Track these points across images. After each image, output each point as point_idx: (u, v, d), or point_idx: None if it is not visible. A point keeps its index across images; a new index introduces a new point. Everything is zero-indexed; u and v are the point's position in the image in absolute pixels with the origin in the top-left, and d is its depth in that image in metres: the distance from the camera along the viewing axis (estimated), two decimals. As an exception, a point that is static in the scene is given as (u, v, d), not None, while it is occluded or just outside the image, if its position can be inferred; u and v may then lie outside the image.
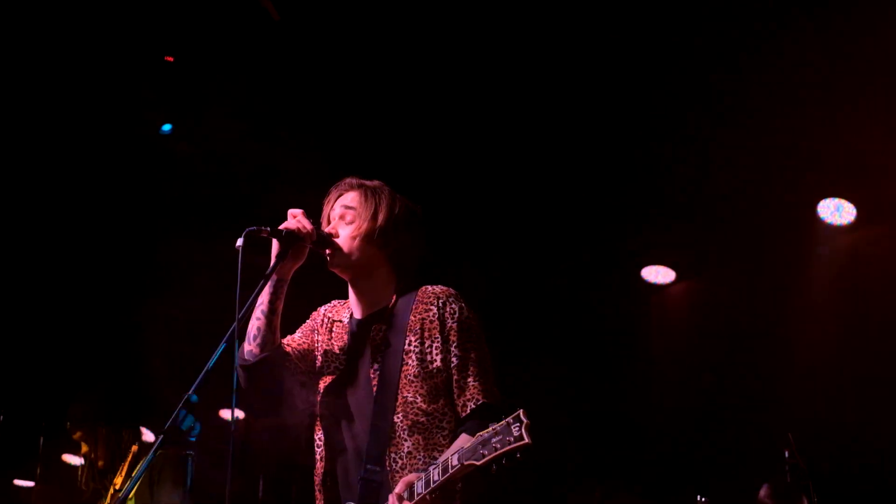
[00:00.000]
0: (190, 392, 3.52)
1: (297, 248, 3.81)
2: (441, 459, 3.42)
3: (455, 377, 3.75)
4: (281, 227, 3.79)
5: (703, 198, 7.31)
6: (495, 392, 3.76)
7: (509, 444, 3.19)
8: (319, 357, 3.96)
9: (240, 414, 8.26)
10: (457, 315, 3.81)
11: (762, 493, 6.00)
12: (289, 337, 4.00)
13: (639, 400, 7.92)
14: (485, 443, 3.25)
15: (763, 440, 5.86)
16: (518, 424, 3.19)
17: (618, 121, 7.03)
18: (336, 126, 7.12)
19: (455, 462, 3.31)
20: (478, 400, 3.71)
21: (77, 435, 5.78)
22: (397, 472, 3.64)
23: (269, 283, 3.81)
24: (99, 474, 5.65)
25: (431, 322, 3.80)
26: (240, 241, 3.63)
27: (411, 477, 3.49)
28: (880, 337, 6.12)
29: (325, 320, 4.05)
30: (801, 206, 7.20)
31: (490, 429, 3.26)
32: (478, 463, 3.24)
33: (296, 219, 3.81)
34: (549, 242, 7.89)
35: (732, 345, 7.54)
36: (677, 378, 7.82)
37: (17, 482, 9.11)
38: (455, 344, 3.77)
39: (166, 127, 7.23)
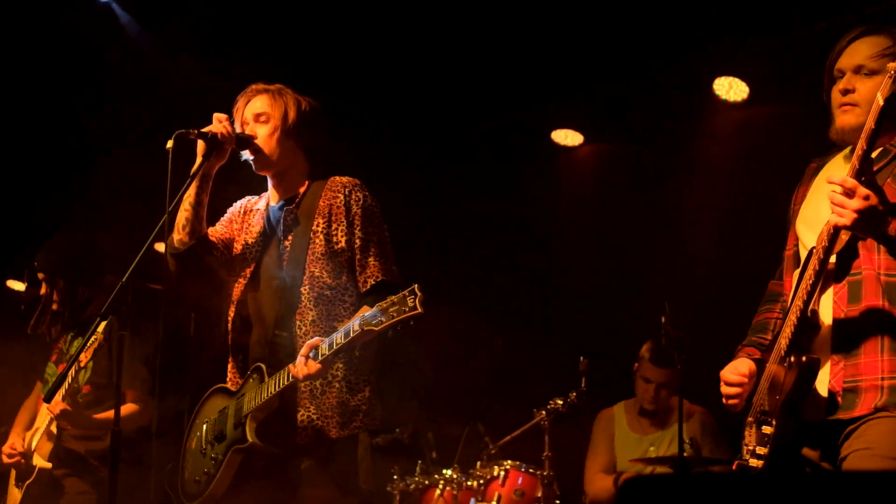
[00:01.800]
0: (124, 278, 4.02)
1: (221, 150, 4.28)
2: (345, 325, 3.92)
3: (357, 257, 4.27)
4: (206, 129, 4.24)
5: (611, 67, 7.71)
6: (394, 271, 4.29)
7: (404, 313, 3.71)
8: (238, 243, 4.46)
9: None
10: (361, 202, 4.31)
11: (643, 349, 6.61)
12: (211, 228, 4.48)
13: (543, 257, 8.42)
14: (383, 311, 3.75)
15: (650, 304, 6.34)
16: (413, 297, 3.70)
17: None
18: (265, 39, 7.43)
19: (357, 328, 3.81)
20: (377, 277, 4.23)
21: (41, 276, 5.69)
22: (301, 337, 4.16)
23: (195, 179, 4.28)
24: (51, 319, 5.67)
25: (338, 208, 4.29)
26: (170, 143, 4.09)
27: (316, 340, 3.98)
28: (759, 215, 6.59)
29: (243, 210, 4.54)
30: (700, 82, 7.63)
31: (388, 300, 3.75)
32: (376, 329, 3.76)
33: (221, 123, 4.27)
34: (463, 106, 8.27)
35: (632, 208, 8.04)
36: (581, 236, 8.31)
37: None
38: (359, 227, 4.27)
39: None
